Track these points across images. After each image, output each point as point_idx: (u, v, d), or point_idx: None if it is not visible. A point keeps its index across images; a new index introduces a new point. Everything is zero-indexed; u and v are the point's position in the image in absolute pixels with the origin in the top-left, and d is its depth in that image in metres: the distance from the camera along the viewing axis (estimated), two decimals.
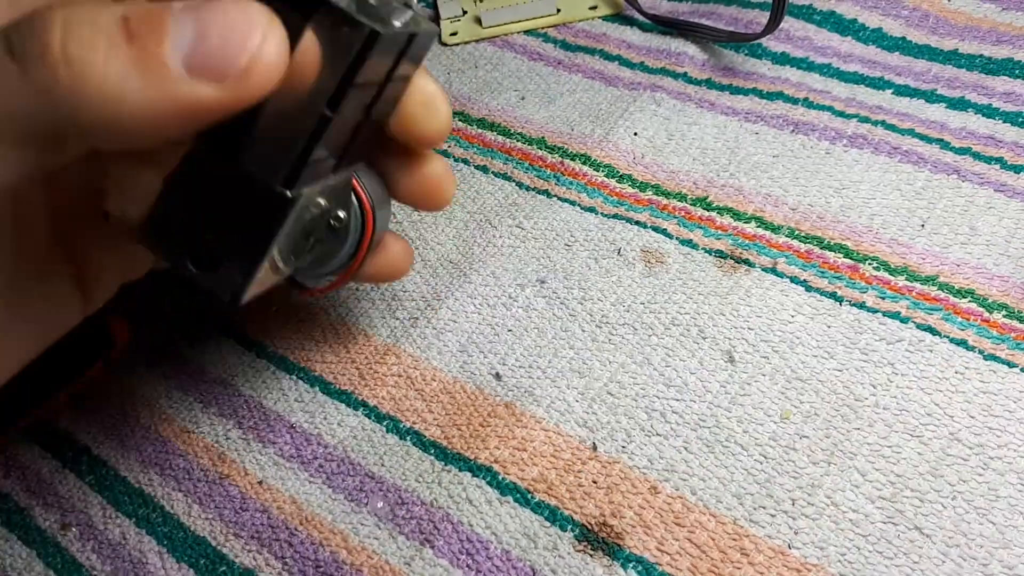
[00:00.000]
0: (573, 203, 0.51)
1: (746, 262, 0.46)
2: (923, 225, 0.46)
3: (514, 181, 0.53)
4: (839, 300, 0.44)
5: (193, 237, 0.28)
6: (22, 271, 0.31)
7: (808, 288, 0.44)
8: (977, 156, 0.48)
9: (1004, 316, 0.42)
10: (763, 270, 0.45)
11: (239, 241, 0.28)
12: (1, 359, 0.32)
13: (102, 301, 0.36)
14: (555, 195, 0.51)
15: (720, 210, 0.49)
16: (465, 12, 0.64)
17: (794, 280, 0.45)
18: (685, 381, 0.42)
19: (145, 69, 0.23)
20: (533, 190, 0.52)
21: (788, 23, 0.58)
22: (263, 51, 0.24)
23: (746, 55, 0.58)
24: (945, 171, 0.48)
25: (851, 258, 0.45)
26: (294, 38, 0.25)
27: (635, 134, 0.54)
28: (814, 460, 0.38)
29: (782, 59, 0.57)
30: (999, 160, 0.48)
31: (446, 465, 0.41)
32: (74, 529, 0.42)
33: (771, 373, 0.42)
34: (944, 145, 0.49)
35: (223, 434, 0.44)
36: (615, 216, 0.49)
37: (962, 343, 0.41)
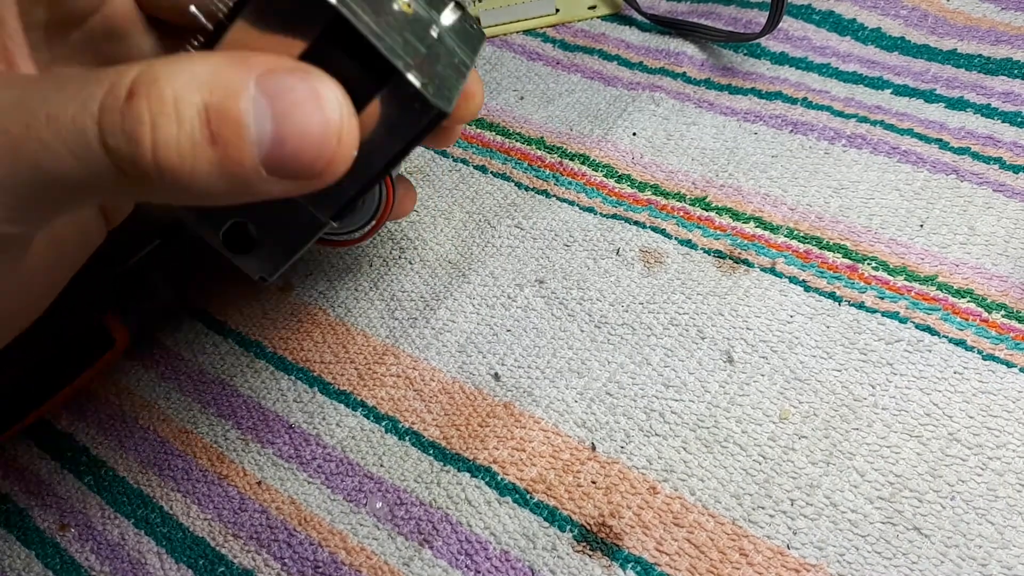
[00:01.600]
0: (572, 203, 0.51)
1: (745, 262, 0.46)
2: (922, 225, 0.46)
3: (513, 181, 0.53)
4: (838, 300, 0.44)
5: (230, 217, 0.29)
6: None
7: (807, 288, 0.44)
8: (976, 156, 0.48)
9: (1003, 316, 0.42)
10: (762, 270, 0.45)
11: (275, 234, 0.29)
12: (38, 285, 0.33)
13: (121, 219, 0.37)
14: (554, 195, 0.51)
15: (719, 210, 0.49)
16: None
17: (793, 280, 0.45)
18: (684, 381, 0.42)
19: (227, 171, 0.24)
20: (532, 190, 0.52)
21: (787, 23, 0.58)
22: (338, 155, 0.25)
23: (745, 55, 0.58)
24: (944, 171, 0.48)
25: (850, 258, 0.45)
26: (361, 102, 0.27)
27: (634, 134, 0.54)
28: (813, 460, 0.38)
29: (781, 59, 0.57)
30: (998, 160, 0.48)
31: (445, 465, 0.41)
32: (73, 530, 0.42)
33: (770, 373, 0.42)
34: (943, 145, 0.49)
35: (222, 434, 0.44)
36: (614, 216, 0.49)
37: (961, 343, 0.41)
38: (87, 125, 0.23)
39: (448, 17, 0.31)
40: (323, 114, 0.25)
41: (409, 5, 0.28)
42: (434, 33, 0.29)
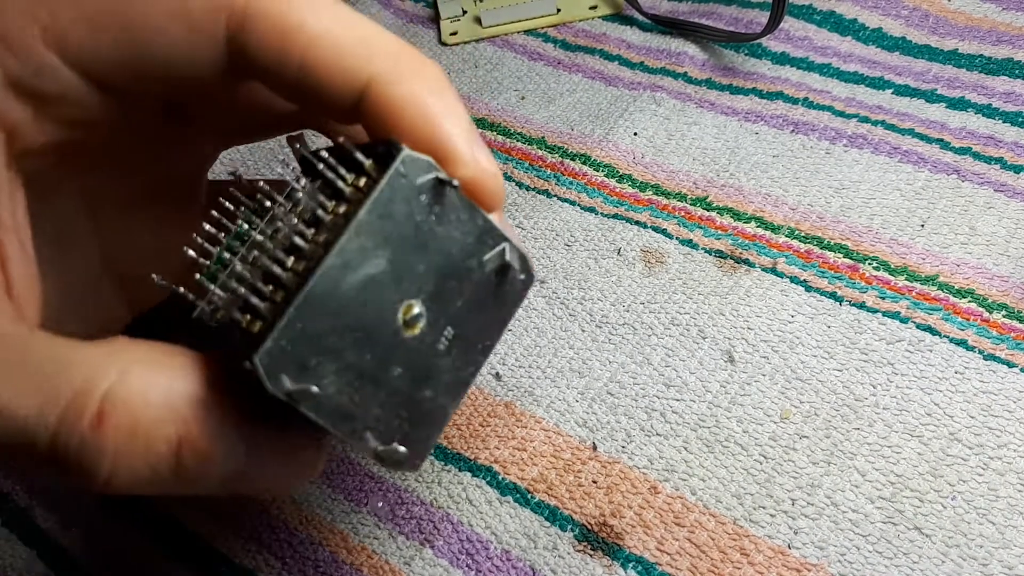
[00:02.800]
0: (573, 203, 0.51)
1: (746, 262, 0.46)
2: (923, 225, 0.46)
3: (514, 181, 0.53)
4: (839, 300, 0.44)
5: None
6: (76, 289, 0.33)
7: (808, 288, 0.44)
8: (977, 156, 0.48)
9: (1004, 316, 0.42)
10: (763, 270, 0.45)
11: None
12: None
13: (147, 307, 0.37)
14: (555, 195, 0.51)
15: (720, 210, 0.49)
16: (465, 12, 0.64)
17: (794, 280, 0.45)
18: (685, 381, 0.42)
19: (181, 486, 0.25)
20: (533, 190, 0.52)
21: (788, 23, 0.58)
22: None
23: (746, 55, 0.58)
24: (945, 171, 0.48)
25: (851, 258, 0.45)
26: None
27: (635, 134, 0.54)
28: (814, 460, 0.38)
29: (782, 59, 0.57)
30: (999, 160, 0.48)
31: (446, 465, 0.41)
32: (74, 530, 0.42)
33: (771, 373, 0.42)
34: (944, 145, 0.49)
35: None
36: (615, 216, 0.49)
37: (962, 343, 0.41)
38: (40, 426, 0.23)
39: (486, 269, 0.28)
40: (294, 462, 0.27)
41: (418, 319, 0.26)
42: (442, 342, 0.27)
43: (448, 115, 0.26)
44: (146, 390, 0.23)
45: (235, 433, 0.24)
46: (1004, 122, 0.50)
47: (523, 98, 0.58)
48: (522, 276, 0.29)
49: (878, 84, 0.54)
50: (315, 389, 0.24)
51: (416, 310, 0.26)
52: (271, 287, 0.24)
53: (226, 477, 0.25)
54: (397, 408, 0.26)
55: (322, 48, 0.26)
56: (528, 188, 0.52)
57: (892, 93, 0.53)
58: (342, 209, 0.25)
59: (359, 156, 0.26)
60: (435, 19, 0.65)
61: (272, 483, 0.26)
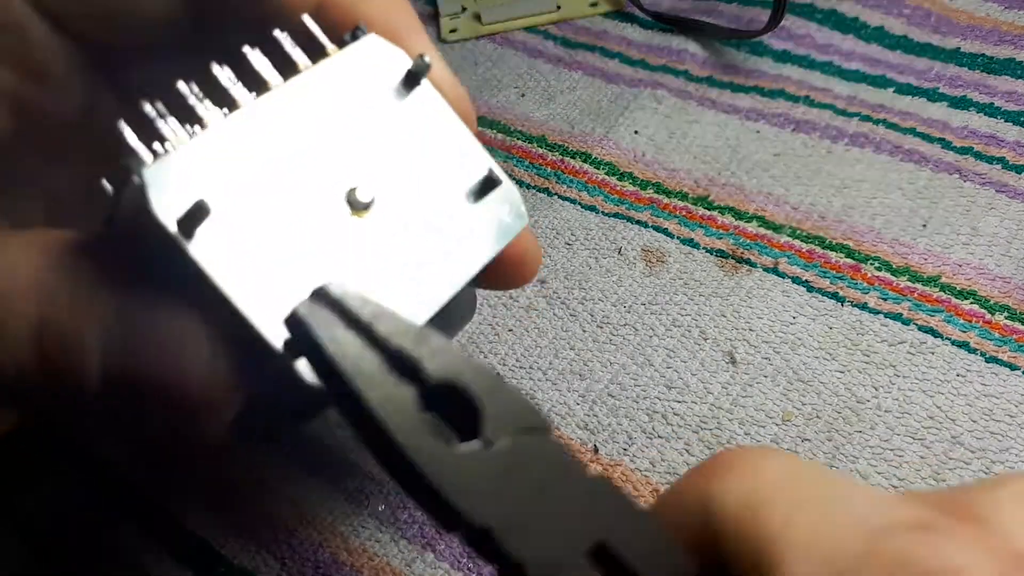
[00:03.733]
0: (574, 201, 0.50)
1: (747, 262, 0.46)
2: (925, 225, 0.46)
3: (514, 179, 0.52)
4: (841, 301, 0.43)
5: None
6: None
7: (810, 288, 0.44)
8: (979, 156, 0.48)
9: (1006, 318, 0.42)
10: (765, 270, 0.45)
11: None
12: None
13: None
14: (556, 193, 0.51)
15: (721, 209, 0.48)
16: (465, 9, 0.64)
17: (796, 280, 0.45)
18: (687, 383, 0.42)
19: (60, 388, 0.23)
20: (534, 188, 0.52)
21: (789, 21, 0.58)
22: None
23: (747, 53, 0.57)
24: (947, 170, 0.48)
25: (853, 258, 0.45)
26: None
27: (636, 132, 0.53)
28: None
29: (783, 57, 0.57)
30: (1001, 160, 0.48)
31: None
32: (70, 526, 0.42)
33: (773, 374, 0.41)
34: (946, 144, 0.49)
35: None
36: (616, 215, 0.49)
37: (964, 345, 0.41)
38: None
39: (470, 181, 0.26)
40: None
41: (364, 202, 0.24)
42: (405, 237, 0.25)
43: (413, 25, 0.27)
44: None
45: (104, 303, 0.22)
46: (1006, 121, 0.50)
47: (523, 95, 0.58)
48: (509, 216, 0.26)
49: (880, 82, 0.54)
50: (208, 216, 0.21)
51: (365, 195, 0.24)
52: (195, 128, 0.23)
53: (102, 363, 0.22)
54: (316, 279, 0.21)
55: None
56: (528, 186, 0.52)
57: (894, 92, 0.53)
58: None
59: (321, 38, 0.25)
60: (435, 16, 0.64)
61: (159, 368, 0.22)
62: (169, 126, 0.22)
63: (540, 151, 0.54)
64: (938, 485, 0.37)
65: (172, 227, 0.21)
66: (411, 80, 0.25)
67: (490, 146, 0.55)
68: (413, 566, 0.38)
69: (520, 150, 0.54)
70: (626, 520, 0.20)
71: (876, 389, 0.40)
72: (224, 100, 0.23)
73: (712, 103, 0.55)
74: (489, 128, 0.56)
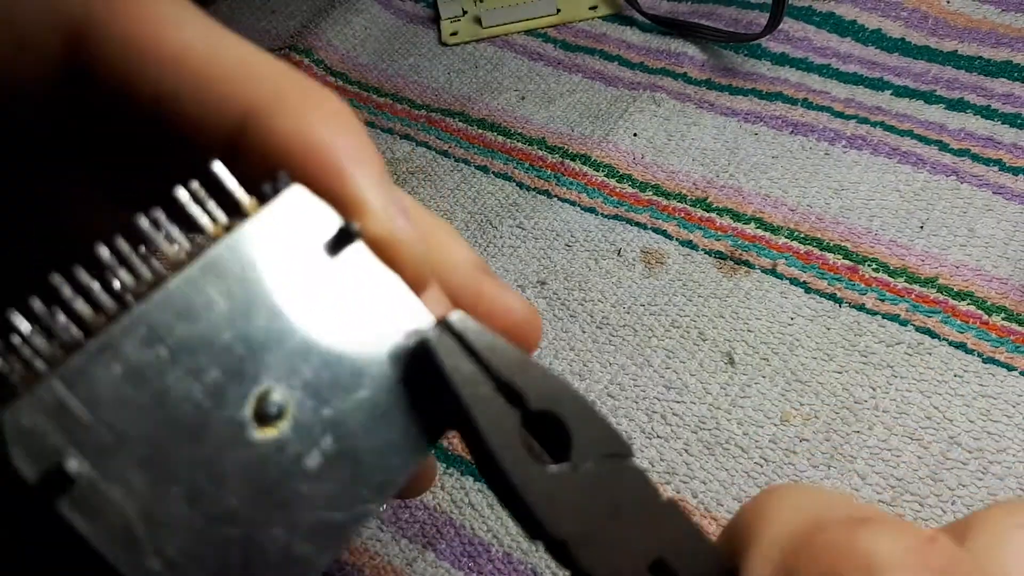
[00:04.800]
0: (573, 203, 0.51)
1: (746, 263, 0.46)
2: (922, 226, 0.46)
3: (515, 181, 0.53)
4: (839, 302, 0.44)
5: None
6: None
7: (808, 290, 0.44)
8: (976, 158, 0.48)
9: (1003, 319, 0.42)
10: (763, 271, 0.45)
11: None
12: None
13: None
14: (555, 195, 0.51)
15: (720, 211, 0.49)
16: (465, 12, 0.64)
17: (794, 282, 0.45)
18: (685, 383, 0.42)
19: None
20: (534, 190, 0.52)
21: (787, 24, 0.58)
22: None
23: (745, 56, 0.58)
24: (944, 172, 0.48)
25: (850, 259, 0.45)
26: None
27: (635, 135, 0.54)
28: (814, 463, 0.39)
29: (781, 59, 0.57)
30: (998, 162, 0.48)
31: (448, 468, 0.41)
32: None
33: (771, 375, 0.42)
34: (943, 147, 0.49)
35: None
36: (615, 217, 0.49)
37: (961, 346, 0.41)
38: None
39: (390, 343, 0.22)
40: None
41: (280, 409, 0.19)
42: (314, 461, 0.20)
43: (353, 157, 0.21)
44: None
45: None
46: (1003, 123, 0.50)
47: (523, 98, 0.58)
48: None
49: (877, 85, 0.54)
50: (82, 476, 0.17)
51: (276, 398, 0.19)
52: (76, 335, 0.18)
53: None
54: (222, 546, 0.18)
55: (184, 70, 0.21)
56: (528, 188, 0.52)
57: (891, 94, 0.53)
58: (200, 244, 0.19)
59: (235, 190, 0.20)
60: (435, 19, 0.65)
61: None
62: (34, 342, 0.17)
63: (540, 153, 0.54)
64: (935, 485, 0.37)
65: (32, 478, 0.16)
66: (341, 242, 0.21)
67: (490, 148, 0.55)
68: (414, 565, 0.38)
69: (520, 152, 0.54)
70: (686, 541, 0.22)
71: (874, 389, 0.40)
72: (102, 296, 0.18)
73: (711, 106, 0.55)
74: (489, 131, 0.56)
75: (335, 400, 0.20)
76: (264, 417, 0.19)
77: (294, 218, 0.20)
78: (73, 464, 0.16)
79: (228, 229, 0.19)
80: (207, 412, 0.18)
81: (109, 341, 0.17)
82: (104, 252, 0.18)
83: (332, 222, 0.20)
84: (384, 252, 0.21)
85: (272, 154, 0.20)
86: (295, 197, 0.20)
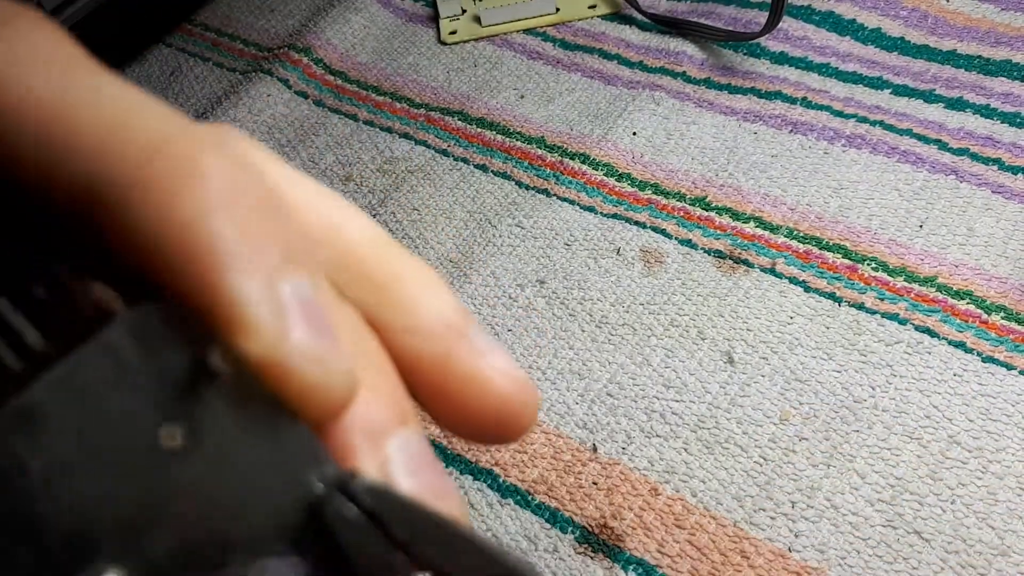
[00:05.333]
0: (572, 202, 0.51)
1: (745, 262, 0.46)
2: (921, 225, 0.46)
3: (513, 180, 0.53)
4: (838, 301, 0.44)
5: None
6: None
7: (807, 289, 0.44)
8: (975, 157, 0.48)
9: (1002, 318, 0.42)
10: (762, 270, 0.45)
11: None
12: None
13: None
14: (554, 194, 0.51)
15: (719, 210, 0.49)
16: (464, 11, 0.64)
17: (793, 281, 0.45)
18: (684, 382, 0.42)
19: None
20: (532, 189, 0.52)
21: (787, 23, 0.58)
22: None
23: (744, 54, 0.58)
24: (943, 171, 0.48)
25: (850, 258, 0.45)
26: None
27: (634, 133, 0.54)
28: (813, 462, 0.39)
29: (781, 59, 0.57)
30: (997, 161, 0.48)
31: (447, 467, 0.41)
32: None
33: (770, 374, 0.42)
34: (942, 146, 0.49)
35: None
36: (614, 216, 0.49)
37: (960, 345, 0.41)
38: None
39: None
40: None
41: None
42: None
43: (235, 244, 0.15)
44: None
45: None
46: (1002, 122, 0.50)
47: (522, 97, 0.58)
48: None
49: (876, 84, 0.54)
50: None
51: None
52: None
53: None
54: None
55: (24, 121, 0.16)
56: (527, 187, 0.52)
57: (890, 93, 0.53)
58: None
59: (73, 289, 0.15)
60: (434, 18, 0.65)
61: None
62: None
63: (539, 152, 0.54)
64: (935, 484, 0.37)
65: None
66: (198, 380, 0.15)
67: (489, 147, 0.55)
68: None
69: (519, 151, 0.54)
70: None
71: (873, 388, 0.40)
72: None
73: (710, 105, 0.55)
74: (488, 129, 0.56)
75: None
76: None
77: (136, 342, 0.14)
78: None
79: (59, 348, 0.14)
80: None
81: None
82: None
83: (185, 353, 0.14)
84: (275, 378, 0.15)
85: (126, 244, 0.15)
86: (139, 317, 0.14)
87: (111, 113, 0.15)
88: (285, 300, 0.15)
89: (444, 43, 0.63)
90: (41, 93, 0.15)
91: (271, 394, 0.15)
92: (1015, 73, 0.52)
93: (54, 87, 0.16)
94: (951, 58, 0.54)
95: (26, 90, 0.15)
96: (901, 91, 0.53)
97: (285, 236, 0.15)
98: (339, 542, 0.15)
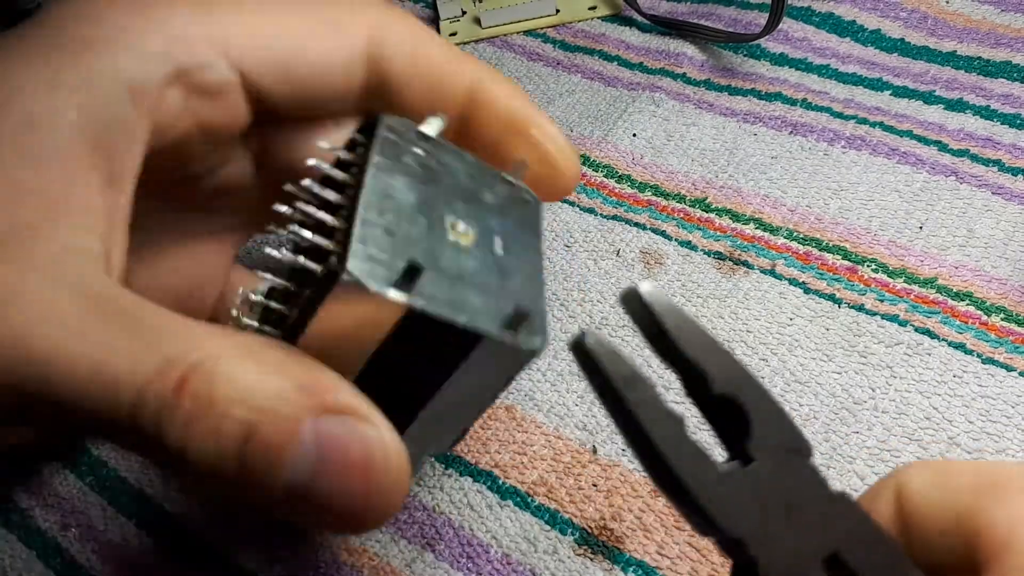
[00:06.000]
0: (572, 204, 0.51)
1: (745, 264, 0.46)
2: (921, 227, 0.46)
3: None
4: (838, 302, 0.44)
5: None
6: None
7: (807, 290, 0.44)
8: (975, 158, 0.48)
9: (1002, 319, 0.42)
10: (762, 272, 0.45)
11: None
12: None
13: None
14: None
15: (719, 211, 0.49)
16: (464, 12, 0.64)
17: (793, 282, 0.45)
18: None
19: (245, 488, 0.24)
20: None
21: (787, 24, 0.59)
22: (379, 509, 0.25)
23: (744, 56, 0.58)
24: (943, 172, 0.48)
25: (850, 260, 0.45)
26: (450, 367, 0.27)
27: (634, 135, 0.54)
28: None
29: (780, 60, 0.57)
30: (997, 162, 0.48)
31: (447, 469, 0.41)
32: (74, 530, 0.42)
33: (770, 375, 0.42)
34: (942, 147, 0.49)
35: None
36: (614, 217, 0.49)
37: (960, 347, 0.41)
38: (128, 385, 0.23)
39: (500, 195, 0.31)
40: (368, 476, 0.24)
41: (466, 231, 0.28)
42: (499, 249, 0.29)
43: (529, 107, 0.33)
44: (232, 371, 0.23)
45: (309, 437, 0.23)
46: (1002, 124, 0.50)
47: None
48: (528, 198, 0.31)
49: (876, 85, 0.54)
50: (423, 279, 0.24)
51: (460, 226, 0.28)
52: (326, 235, 0.26)
53: (293, 485, 0.23)
54: (496, 296, 0.27)
55: (435, 61, 0.31)
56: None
57: (890, 94, 0.53)
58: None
59: (357, 136, 0.29)
60: (434, 20, 0.65)
61: (343, 505, 0.24)
62: (319, 213, 0.26)
63: None
64: None
65: (401, 297, 0.24)
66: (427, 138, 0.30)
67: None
68: (413, 566, 0.38)
69: None
70: (860, 533, 0.22)
71: (873, 390, 0.40)
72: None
73: (710, 106, 0.55)
74: None
75: (486, 219, 0.29)
76: (462, 233, 0.28)
77: (396, 130, 0.28)
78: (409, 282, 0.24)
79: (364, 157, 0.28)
80: (436, 240, 0.27)
81: (366, 202, 0.26)
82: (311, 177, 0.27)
83: (414, 127, 0.29)
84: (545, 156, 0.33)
85: (493, 106, 0.33)
86: (386, 120, 0.29)
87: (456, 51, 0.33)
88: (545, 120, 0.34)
89: None
90: (434, 46, 0.33)
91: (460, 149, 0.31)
92: (1015, 74, 0.52)
93: (434, 40, 0.33)
94: (951, 59, 0.54)
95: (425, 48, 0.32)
96: (901, 92, 0.53)
97: None
98: (607, 377, 0.21)
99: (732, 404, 0.22)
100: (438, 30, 0.64)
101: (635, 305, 0.23)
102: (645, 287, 0.22)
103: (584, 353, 0.21)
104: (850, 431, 0.39)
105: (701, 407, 0.23)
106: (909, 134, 0.50)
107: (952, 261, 0.44)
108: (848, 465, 0.38)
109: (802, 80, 0.55)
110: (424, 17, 0.65)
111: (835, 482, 0.38)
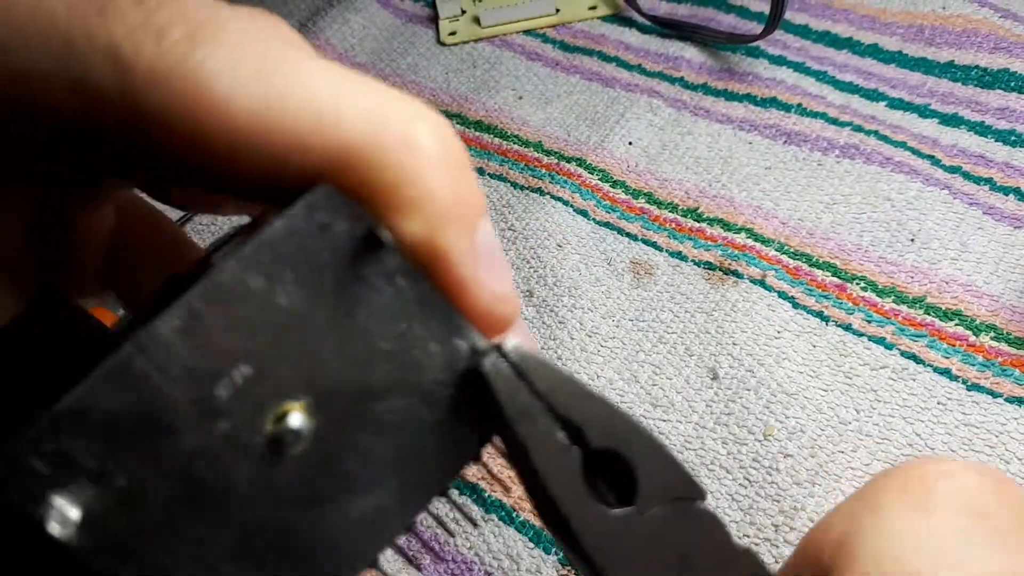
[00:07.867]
0: (566, 203, 0.51)
1: (735, 273, 0.46)
2: (913, 239, 0.46)
3: (509, 182, 0.53)
4: (826, 320, 0.44)
5: None
6: None
7: (795, 305, 0.45)
8: (967, 176, 0.48)
9: (991, 339, 0.42)
10: (751, 282, 0.46)
11: None
12: None
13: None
14: (548, 193, 0.51)
15: (711, 221, 0.49)
16: (464, 11, 0.64)
17: (782, 295, 0.45)
18: (672, 401, 0.42)
19: None
20: (527, 189, 0.52)
21: (785, 36, 0.58)
22: None
23: (743, 56, 0.58)
24: (937, 185, 0.48)
25: (839, 277, 0.45)
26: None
27: (630, 143, 0.54)
28: (797, 480, 0.39)
29: (779, 60, 0.57)
30: (988, 181, 0.48)
31: None
32: None
33: (755, 387, 0.42)
34: (935, 162, 0.49)
35: None
36: (607, 224, 0.50)
37: (946, 372, 0.41)
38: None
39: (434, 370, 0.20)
40: None
41: (293, 439, 0.18)
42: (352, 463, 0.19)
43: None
44: None
45: None
46: (996, 140, 0.50)
47: (521, 98, 0.58)
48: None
49: (872, 95, 0.54)
50: (78, 511, 0.15)
51: (295, 422, 0.17)
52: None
53: None
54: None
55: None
56: (522, 187, 0.52)
57: (886, 105, 0.53)
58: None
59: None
60: (434, 19, 0.64)
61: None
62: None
63: (536, 155, 0.54)
64: None
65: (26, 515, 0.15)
66: (369, 248, 0.18)
67: (486, 150, 0.55)
68: None
69: (516, 154, 0.55)
70: None
71: (858, 412, 0.41)
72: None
73: (706, 112, 0.55)
74: (486, 133, 0.56)
75: (365, 420, 0.18)
76: (279, 439, 0.17)
77: (323, 217, 0.18)
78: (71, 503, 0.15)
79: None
80: (221, 436, 0.16)
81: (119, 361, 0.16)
82: None
83: (365, 223, 0.18)
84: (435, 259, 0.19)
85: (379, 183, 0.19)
86: (323, 194, 0.18)
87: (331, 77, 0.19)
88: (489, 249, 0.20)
89: (443, 44, 0.63)
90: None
91: (422, 271, 0.19)
92: (1012, 84, 0.52)
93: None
94: (948, 70, 0.54)
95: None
96: (896, 104, 0.53)
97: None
98: (493, 391, 0.19)
99: (615, 456, 0.21)
100: (437, 29, 0.64)
101: (502, 364, 0.20)
102: (510, 344, 0.19)
103: (479, 379, 0.19)
104: (836, 449, 0.40)
105: (585, 461, 0.21)
106: (903, 145, 0.50)
107: (943, 275, 0.44)
108: (834, 483, 0.39)
109: (799, 83, 0.55)
110: (424, 16, 0.65)
111: (819, 500, 0.38)
